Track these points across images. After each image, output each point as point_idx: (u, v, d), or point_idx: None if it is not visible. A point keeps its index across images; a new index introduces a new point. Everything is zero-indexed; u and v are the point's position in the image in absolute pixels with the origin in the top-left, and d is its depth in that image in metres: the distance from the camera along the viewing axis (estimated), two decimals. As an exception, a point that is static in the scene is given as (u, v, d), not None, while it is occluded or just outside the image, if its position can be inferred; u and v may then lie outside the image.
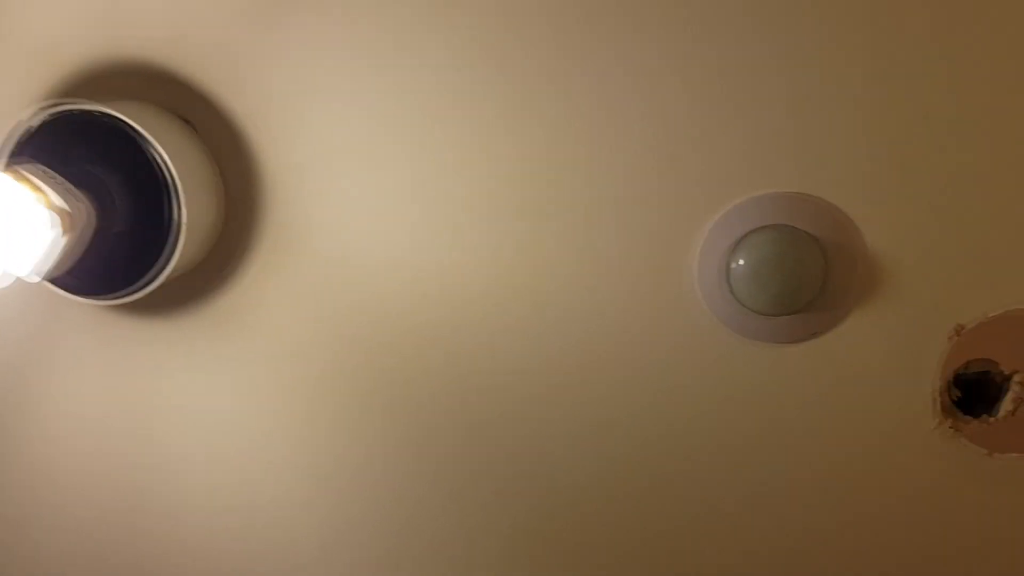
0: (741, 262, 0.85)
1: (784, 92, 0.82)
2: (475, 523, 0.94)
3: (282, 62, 0.85)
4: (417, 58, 0.83)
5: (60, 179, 0.73)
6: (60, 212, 0.71)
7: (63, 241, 0.72)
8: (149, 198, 0.82)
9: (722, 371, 0.88)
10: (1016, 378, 0.85)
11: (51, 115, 0.78)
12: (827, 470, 0.89)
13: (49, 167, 0.73)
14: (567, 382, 0.89)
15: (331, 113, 0.86)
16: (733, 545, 0.92)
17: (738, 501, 0.90)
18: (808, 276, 0.85)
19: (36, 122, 0.78)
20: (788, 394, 0.88)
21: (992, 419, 0.86)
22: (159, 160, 0.80)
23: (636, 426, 0.90)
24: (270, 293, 0.89)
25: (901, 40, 0.80)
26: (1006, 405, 0.86)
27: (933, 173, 0.82)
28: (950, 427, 0.87)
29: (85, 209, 0.74)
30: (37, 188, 0.70)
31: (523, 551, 0.95)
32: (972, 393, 0.88)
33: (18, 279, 0.70)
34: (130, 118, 0.78)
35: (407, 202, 0.87)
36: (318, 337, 0.90)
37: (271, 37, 0.84)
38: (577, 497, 0.92)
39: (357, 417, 0.92)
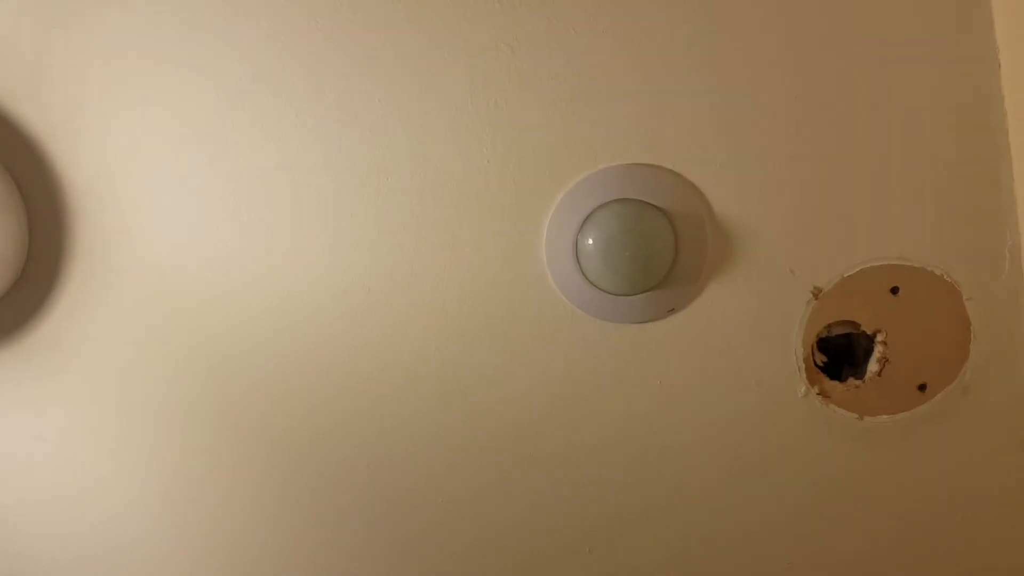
0: (589, 242, 0.81)
1: (622, 62, 0.78)
2: (304, 536, 0.89)
3: (78, 67, 0.79)
4: (222, 59, 0.78)
5: None
6: None
7: None
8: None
9: (582, 357, 0.84)
10: (879, 337, 0.83)
11: None
12: (698, 446, 0.86)
13: None
14: (420, 383, 0.85)
15: (135, 118, 0.80)
16: (606, 526, 0.88)
17: (610, 484, 0.87)
18: (659, 251, 0.81)
19: None
20: (652, 373, 0.84)
21: (860, 382, 0.84)
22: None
23: (499, 422, 0.85)
24: (87, 316, 0.83)
25: (741, 10, 0.77)
26: (872, 366, 0.83)
27: (774, 137, 0.80)
28: (818, 393, 0.84)
29: None
30: None
31: (360, 550, 0.90)
32: (838, 356, 0.85)
33: None
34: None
35: (221, 206, 0.81)
36: (138, 356, 0.84)
37: (64, 42, 0.78)
38: (429, 496, 0.87)
39: (177, 431, 0.87)
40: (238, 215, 0.81)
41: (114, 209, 0.81)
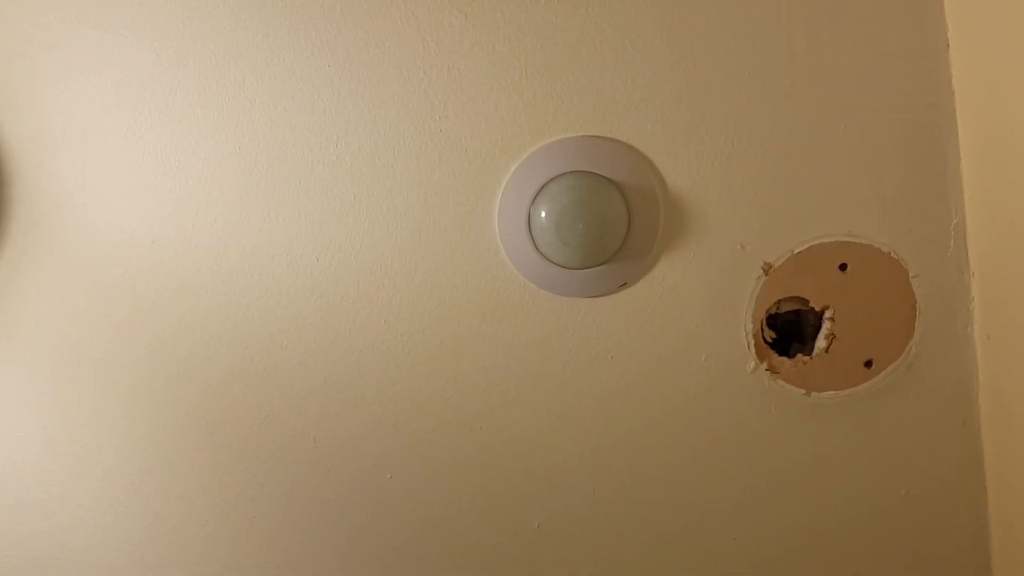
0: (543, 214, 0.80)
1: (578, 32, 0.78)
2: (248, 510, 0.87)
3: (15, 29, 0.76)
4: (163, 19, 0.76)
5: None
6: None
7: None
8: None
9: (534, 331, 0.84)
10: (827, 314, 0.83)
11: None
12: (648, 420, 0.86)
13: None
14: (367, 356, 0.83)
15: (73, 82, 0.78)
16: (555, 501, 0.88)
17: (559, 458, 0.86)
18: (612, 224, 0.81)
19: None
20: (603, 348, 0.84)
21: (807, 358, 0.84)
22: None
23: (448, 398, 0.85)
24: (24, 283, 0.81)
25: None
26: (820, 342, 0.84)
27: (728, 112, 0.80)
28: (767, 369, 0.84)
29: None
30: None
31: (308, 527, 0.88)
32: (786, 332, 0.86)
33: None
34: None
35: (162, 173, 0.79)
36: (76, 326, 0.82)
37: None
38: (378, 473, 0.86)
39: (120, 400, 0.85)
40: (179, 181, 0.79)
41: (51, 176, 0.79)
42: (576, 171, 0.80)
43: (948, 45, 0.80)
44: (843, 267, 0.83)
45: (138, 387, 0.83)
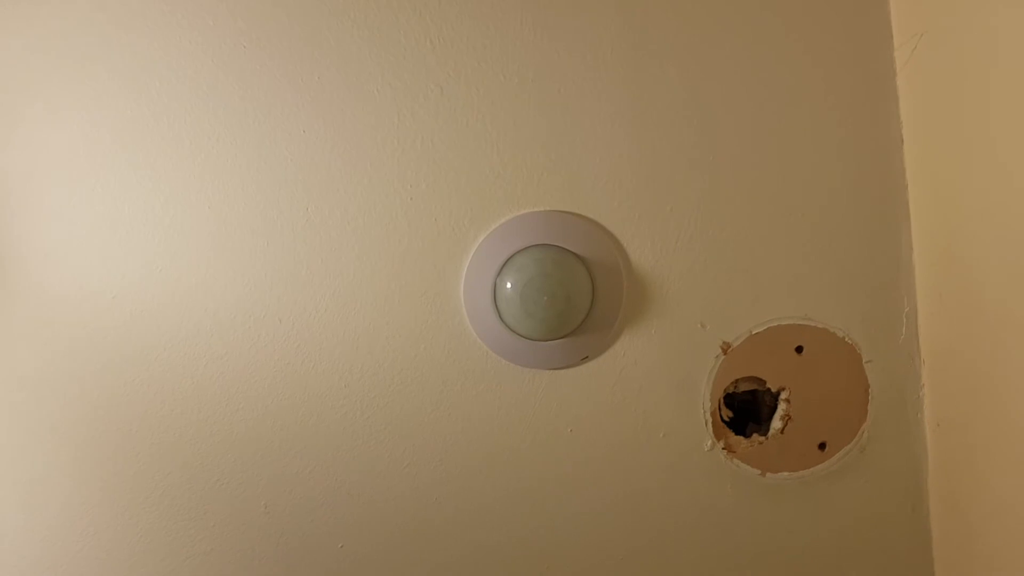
0: (508, 285, 0.81)
1: (544, 110, 0.80)
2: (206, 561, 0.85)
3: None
4: (147, 73, 0.76)
5: None
6: None
7: None
8: None
9: (494, 401, 0.84)
10: (783, 395, 0.85)
11: None
12: (604, 495, 0.86)
13: None
14: (325, 421, 0.82)
15: (41, 133, 0.77)
16: (512, 572, 0.87)
17: (520, 531, 0.85)
18: (576, 297, 0.82)
19: None
20: (563, 421, 0.84)
21: (763, 439, 0.85)
22: None
23: (406, 464, 0.84)
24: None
25: (656, 66, 0.79)
26: (775, 423, 0.85)
27: (692, 192, 0.82)
28: (723, 448, 0.85)
29: None
30: None
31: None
32: (743, 412, 0.87)
33: None
34: None
35: (130, 229, 0.79)
36: (34, 382, 0.80)
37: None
38: (327, 541, 0.84)
39: (69, 459, 0.83)
40: (145, 237, 0.79)
41: (9, 225, 0.77)
42: (542, 244, 0.82)
43: (902, 141, 0.83)
44: (799, 349, 0.85)
45: (88, 445, 0.81)
